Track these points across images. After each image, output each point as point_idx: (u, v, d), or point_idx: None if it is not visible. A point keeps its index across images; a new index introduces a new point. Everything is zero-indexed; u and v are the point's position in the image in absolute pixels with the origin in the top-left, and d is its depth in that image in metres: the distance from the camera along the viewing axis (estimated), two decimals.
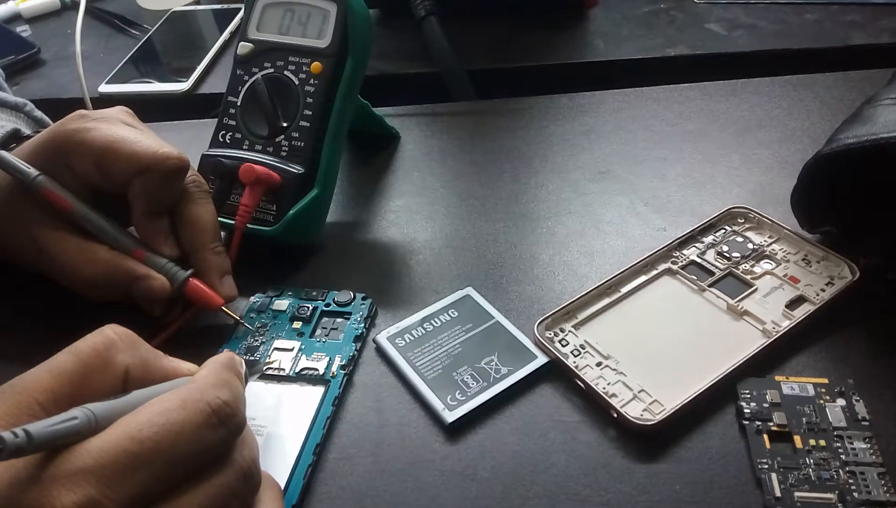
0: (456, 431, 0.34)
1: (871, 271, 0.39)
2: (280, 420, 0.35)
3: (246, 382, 0.30)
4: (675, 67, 0.64)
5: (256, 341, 0.39)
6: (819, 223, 0.40)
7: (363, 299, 0.41)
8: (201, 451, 0.24)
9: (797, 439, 0.32)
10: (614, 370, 0.36)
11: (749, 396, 0.33)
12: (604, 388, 0.35)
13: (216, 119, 0.46)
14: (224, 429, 0.25)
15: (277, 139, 0.44)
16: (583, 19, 0.72)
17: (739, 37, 0.66)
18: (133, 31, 0.79)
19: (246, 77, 0.45)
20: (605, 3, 0.73)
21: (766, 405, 0.33)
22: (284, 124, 0.44)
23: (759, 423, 0.32)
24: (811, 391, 0.34)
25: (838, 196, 0.39)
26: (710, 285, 0.40)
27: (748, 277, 0.40)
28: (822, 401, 0.33)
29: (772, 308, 0.38)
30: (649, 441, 0.33)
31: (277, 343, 0.39)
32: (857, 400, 0.33)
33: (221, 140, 0.45)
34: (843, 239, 0.40)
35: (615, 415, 0.33)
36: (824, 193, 0.39)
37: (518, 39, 0.69)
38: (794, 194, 0.39)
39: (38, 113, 0.50)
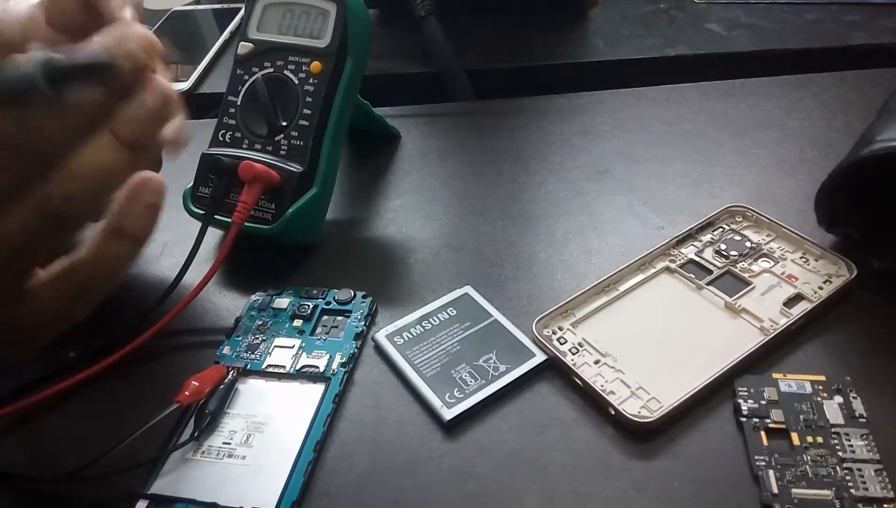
0: (454, 428, 0.34)
1: (883, 274, 0.38)
2: (281, 418, 0.35)
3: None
4: (675, 66, 0.65)
5: (257, 338, 0.39)
6: (838, 224, 0.40)
7: (363, 297, 0.41)
8: None
9: (794, 436, 0.32)
10: (612, 367, 0.36)
11: (747, 393, 0.34)
12: (601, 385, 0.35)
13: (216, 119, 0.46)
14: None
15: (277, 138, 0.44)
16: (583, 19, 0.72)
17: (739, 37, 0.66)
18: None
19: (246, 77, 0.46)
20: (605, 3, 0.74)
21: (763, 402, 0.33)
22: (284, 124, 0.44)
23: (756, 420, 0.33)
24: (808, 389, 0.34)
25: (859, 197, 0.39)
26: (707, 284, 0.40)
27: (746, 275, 0.40)
28: (819, 398, 0.33)
29: (769, 306, 0.38)
30: (647, 439, 0.33)
31: (278, 341, 0.39)
32: (854, 397, 0.33)
33: (221, 139, 0.46)
34: (860, 241, 0.40)
35: (613, 412, 0.34)
36: (849, 193, 0.38)
37: (518, 39, 0.69)
38: (820, 193, 0.39)
39: None
